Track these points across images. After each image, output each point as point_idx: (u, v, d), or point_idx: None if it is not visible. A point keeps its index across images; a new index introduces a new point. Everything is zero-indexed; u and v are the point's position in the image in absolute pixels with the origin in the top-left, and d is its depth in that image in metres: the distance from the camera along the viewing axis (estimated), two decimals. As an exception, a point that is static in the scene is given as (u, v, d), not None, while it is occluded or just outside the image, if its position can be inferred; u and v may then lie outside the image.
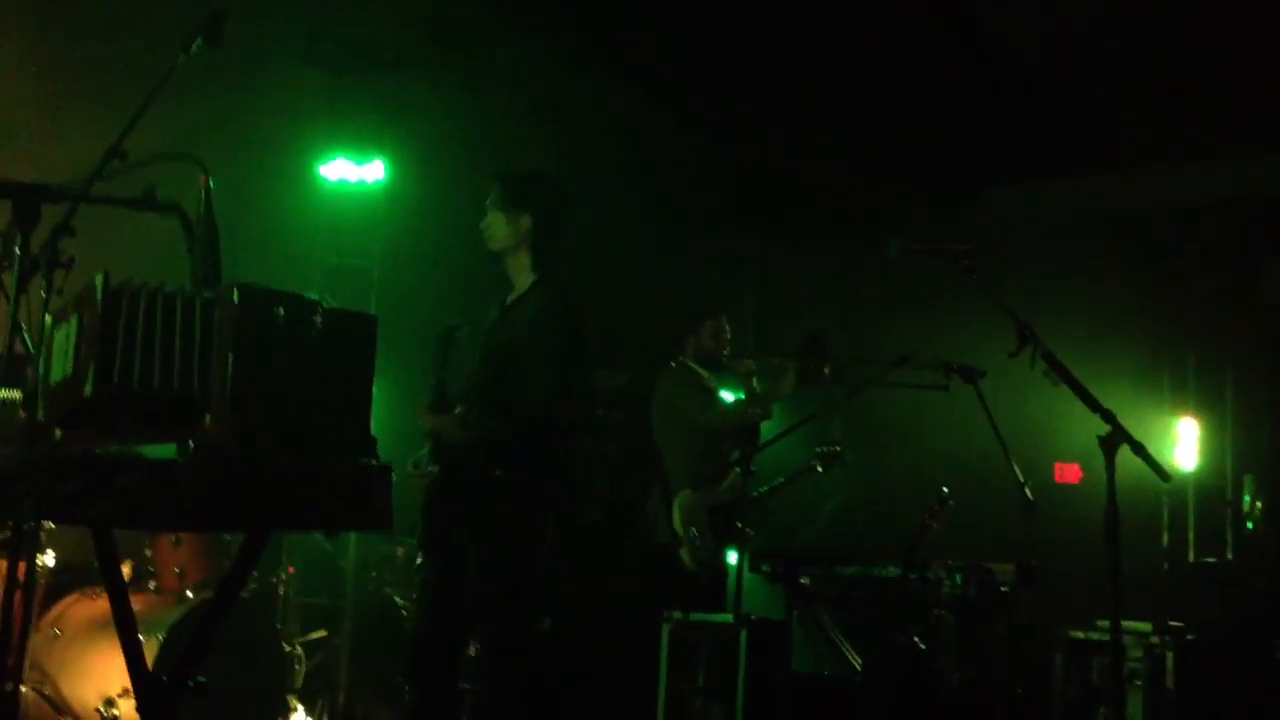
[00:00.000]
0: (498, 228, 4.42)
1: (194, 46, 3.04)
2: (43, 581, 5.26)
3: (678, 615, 5.32)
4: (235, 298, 2.70)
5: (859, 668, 5.13)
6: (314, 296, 2.85)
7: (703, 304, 6.40)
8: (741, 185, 7.85)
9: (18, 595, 3.64)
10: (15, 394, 2.41)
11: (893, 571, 5.00)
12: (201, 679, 2.95)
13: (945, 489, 5.31)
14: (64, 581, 5.47)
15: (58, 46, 6.65)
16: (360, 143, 7.48)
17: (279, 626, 5.76)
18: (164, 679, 2.92)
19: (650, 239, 7.68)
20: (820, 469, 6.07)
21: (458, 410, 4.33)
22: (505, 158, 7.52)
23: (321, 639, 6.50)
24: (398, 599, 6.53)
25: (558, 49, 7.20)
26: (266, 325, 2.73)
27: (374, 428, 2.84)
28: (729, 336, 6.29)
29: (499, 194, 4.43)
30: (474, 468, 4.21)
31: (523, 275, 4.43)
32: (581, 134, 7.48)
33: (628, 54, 7.26)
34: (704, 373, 6.25)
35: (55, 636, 5.32)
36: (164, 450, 2.64)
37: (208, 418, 2.67)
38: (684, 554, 5.89)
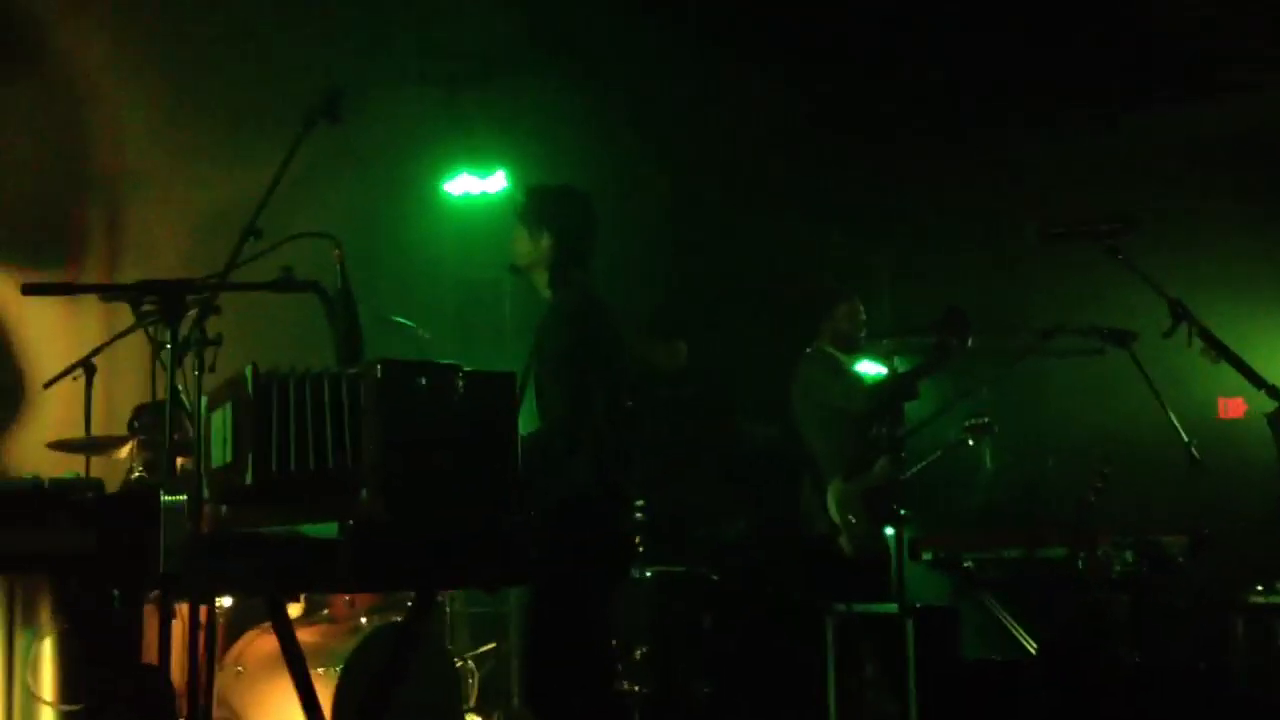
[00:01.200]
0: (520, 244, 4.39)
1: (315, 124, 3.07)
2: (221, 621, 5.45)
3: (841, 608, 5.28)
4: (379, 373, 2.75)
5: (1033, 651, 5.03)
6: (452, 361, 2.89)
7: (833, 287, 6.30)
8: (871, 162, 7.71)
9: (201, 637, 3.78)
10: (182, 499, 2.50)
11: (1058, 552, 4.89)
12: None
13: (1105, 462, 5.17)
14: (241, 619, 5.66)
15: (186, 90, 6.83)
16: (480, 156, 7.54)
17: (449, 645, 5.87)
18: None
19: (778, 223, 7.60)
20: (971, 442, 5.97)
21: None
22: (621, 155, 7.58)
23: (491, 650, 6.60)
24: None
25: (667, 43, 7.14)
26: (410, 396, 2.79)
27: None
28: (864, 317, 6.20)
29: (522, 210, 4.41)
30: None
31: (543, 292, 4.41)
32: (699, 122, 7.42)
33: (741, 41, 7.17)
34: (842, 357, 6.17)
35: (238, 674, 5.49)
36: (325, 529, 2.72)
37: (363, 492, 2.74)
38: (843, 542, 5.84)
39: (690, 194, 7.73)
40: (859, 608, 5.26)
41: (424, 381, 2.81)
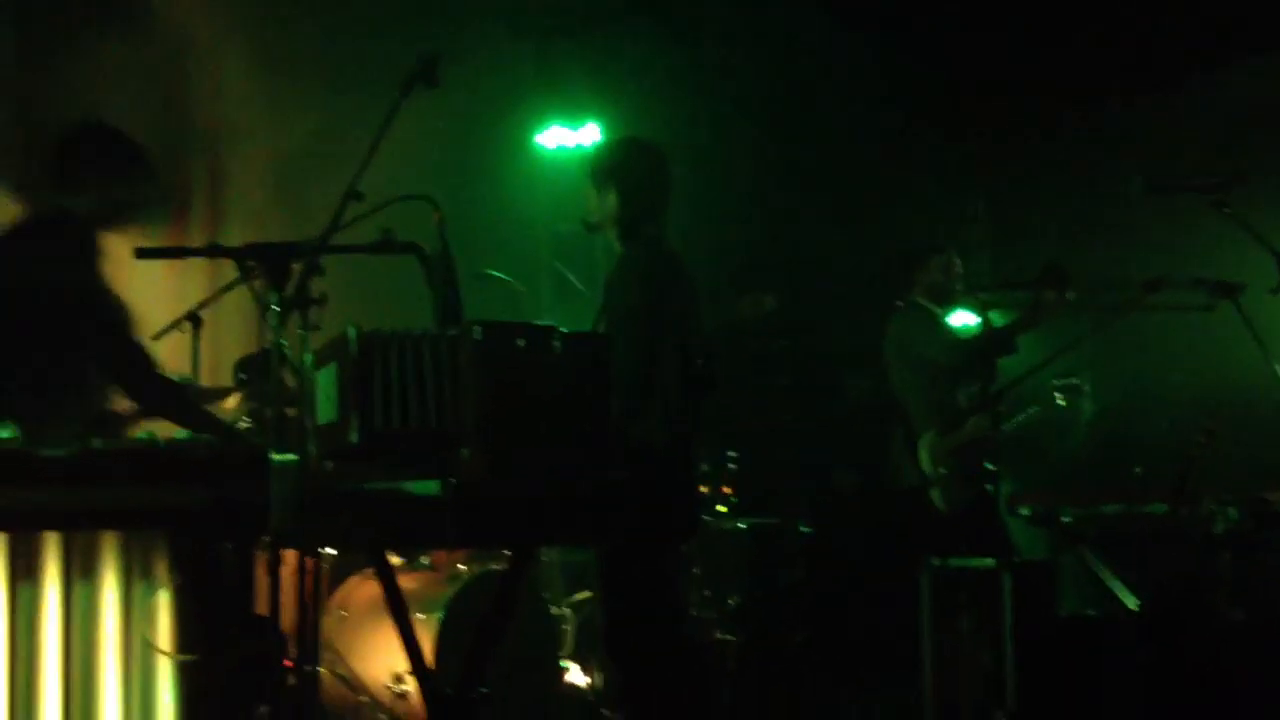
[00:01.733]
0: (590, 203, 4.36)
1: (412, 89, 3.11)
2: (326, 567, 5.59)
3: (936, 562, 5.26)
4: (478, 334, 2.80)
5: (1133, 607, 4.97)
6: (549, 322, 2.93)
7: (927, 239, 6.23)
8: (963, 110, 7.58)
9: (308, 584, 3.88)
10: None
11: (1160, 508, 4.81)
12: (484, 689, 3.11)
13: (1210, 418, 5.07)
14: (345, 565, 5.80)
15: (283, 45, 6.92)
16: (573, 108, 7.56)
17: (544, 593, 5.97)
18: (449, 692, 3.09)
19: (872, 173, 7.52)
20: (1062, 403, 5.90)
21: None
22: (715, 106, 7.55)
23: (587, 598, 6.69)
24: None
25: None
26: (509, 356, 2.83)
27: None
28: (960, 270, 6.12)
29: (589, 168, 4.38)
30: None
31: (616, 248, 4.38)
32: (792, 75, 7.35)
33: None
34: (936, 309, 6.10)
35: (343, 618, 5.64)
36: (428, 486, 2.79)
37: (464, 451, 2.80)
38: (935, 495, 5.81)
39: (782, 147, 7.66)
40: (955, 562, 5.24)
41: (522, 342, 2.86)
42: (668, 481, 4.02)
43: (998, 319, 5.92)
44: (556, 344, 2.89)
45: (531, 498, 2.83)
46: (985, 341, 5.92)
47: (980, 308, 6.02)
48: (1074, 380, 5.93)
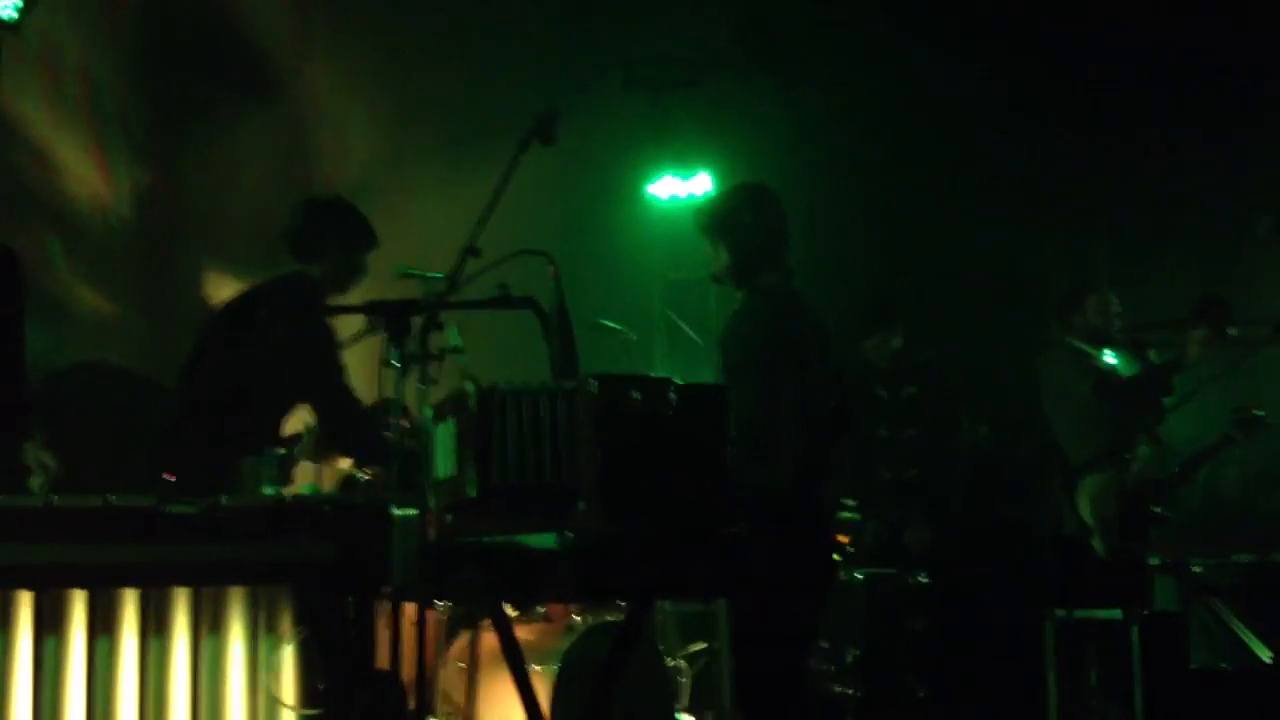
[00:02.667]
0: (710, 258, 4.32)
1: (529, 146, 3.17)
2: (443, 618, 5.65)
3: (1060, 612, 5.14)
4: (594, 388, 2.82)
5: (1266, 660, 4.80)
6: (664, 373, 2.93)
7: (1082, 281, 6.11)
8: (1083, 149, 7.46)
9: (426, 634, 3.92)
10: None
11: (1295, 558, 4.65)
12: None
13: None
14: (460, 616, 5.84)
15: (406, 108, 7.10)
16: (684, 157, 7.61)
17: (659, 644, 5.94)
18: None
19: (989, 216, 7.43)
20: (1240, 437, 5.56)
21: None
22: (823, 154, 7.54)
23: (702, 649, 6.64)
24: (771, 604, 6.59)
25: (869, 41, 7.07)
26: (625, 410, 2.84)
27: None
28: (1117, 308, 5.97)
29: (701, 224, 4.34)
30: None
31: (738, 297, 4.33)
32: (904, 119, 7.32)
33: (944, 33, 7.04)
34: (1092, 351, 5.94)
35: (460, 670, 5.67)
36: (544, 540, 2.81)
37: (581, 504, 2.82)
38: (1095, 543, 5.62)
39: (895, 192, 7.62)
40: (1080, 613, 5.11)
41: (637, 395, 2.86)
42: (794, 531, 3.96)
43: (1157, 357, 5.74)
44: (672, 396, 2.89)
45: (647, 550, 2.82)
46: (1145, 382, 5.74)
47: (1136, 348, 5.85)
48: (1258, 411, 5.51)
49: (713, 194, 4.47)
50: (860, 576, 6.10)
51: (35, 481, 3.24)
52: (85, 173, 6.58)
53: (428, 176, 6.92)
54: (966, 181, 7.47)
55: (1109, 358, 5.93)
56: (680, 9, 7.40)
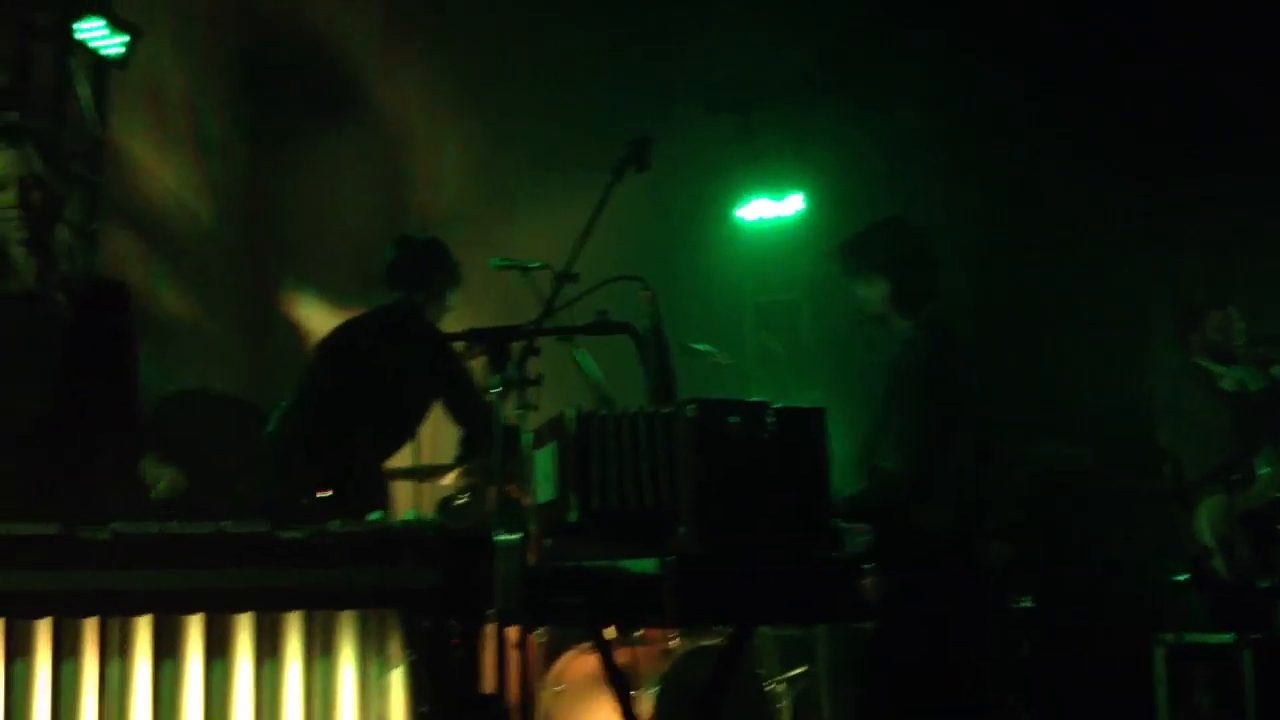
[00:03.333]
0: (862, 297, 4.29)
1: (624, 173, 3.20)
2: (541, 641, 5.68)
3: (1169, 637, 5.02)
4: (692, 412, 2.83)
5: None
6: (762, 398, 2.93)
7: (1203, 299, 6.00)
8: (1171, 164, 7.33)
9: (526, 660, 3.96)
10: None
11: None
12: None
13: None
14: (559, 640, 5.87)
15: (499, 135, 7.20)
16: (775, 180, 7.62)
17: (759, 668, 5.91)
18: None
19: (1079, 233, 7.33)
20: None
21: None
22: (916, 173, 7.48)
23: (801, 673, 6.59)
24: (869, 629, 6.53)
25: (959, 63, 7.02)
26: (723, 433, 2.84)
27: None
28: (1241, 324, 5.85)
29: (844, 268, 4.33)
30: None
31: (901, 332, 4.29)
32: (992, 137, 7.25)
33: (1030, 55, 6.97)
34: (1216, 368, 5.82)
35: (558, 693, 5.70)
36: (645, 564, 2.81)
37: (681, 528, 2.82)
38: (1217, 564, 5.49)
39: (983, 209, 7.54)
40: (1190, 637, 4.99)
41: (736, 419, 2.86)
42: (951, 565, 3.96)
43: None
44: (770, 420, 2.89)
45: (748, 574, 2.82)
46: (1271, 398, 5.62)
47: (1261, 364, 5.72)
48: None
49: (859, 233, 4.44)
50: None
51: (157, 493, 3.34)
52: (189, 203, 6.76)
53: (520, 203, 7.00)
54: (1059, 200, 7.38)
55: (1232, 374, 5.80)
56: (767, 31, 7.41)
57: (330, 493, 3.97)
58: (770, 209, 7.65)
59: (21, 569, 2.43)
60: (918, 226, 4.36)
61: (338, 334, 5.18)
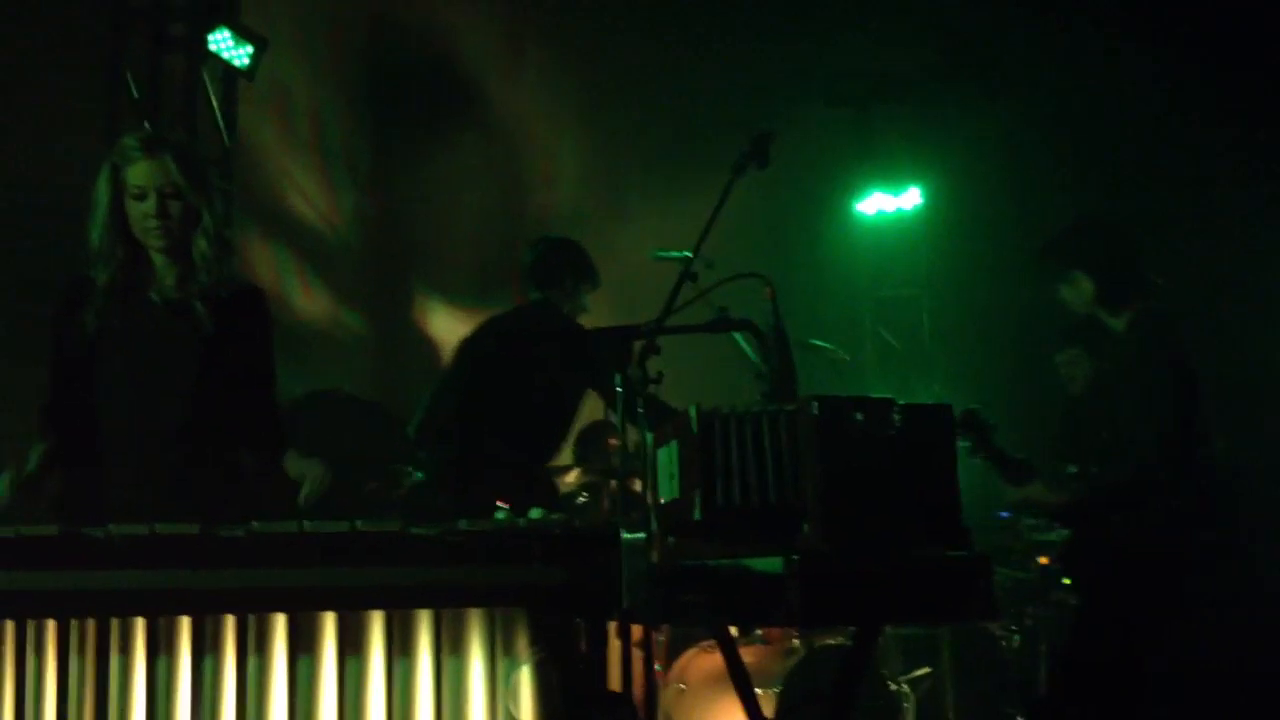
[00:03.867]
0: (1067, 299, 4.26)
1: (745, 169, 3.19)
2: (663, 639, 5.69)
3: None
4: (815, 409, 2.80)
5: None
6: (887, 395, 2.90)
7: None
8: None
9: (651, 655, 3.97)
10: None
11: None
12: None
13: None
14: (681, 638, 5.88)
15: (615, 134, 7.23)
16: (893, 173, 7.54)
17: (882, 670, 5.85)
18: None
19: (1205, 222, 7.11)
20: None
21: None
22: (1037, 163, 7.33)
23: (926, 674, 6.51)
24: (995, 629, 6.43)
25: (1083, 52, 6.86)
26: (847, 431, 2.81)
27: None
28: None
29: (1047, 271, 4.28)
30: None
31: (1115, 324, 4.24)
32: (1117, 125, 7.08)
33: (1150, 40, 6.78)
34: None
35: (680, 691, 5.71)
36: (770, 564, 2.80)
37: (805, 526, 2.80)
38: None
39: (1112, 200, 7.36)
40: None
41: (860, 416, 2.83)
42: (1198, 558, 3.97)
43: None
44: (896, 417, 2.85)
45: (875, 573, 2.78)
46: None
47: None
48: None
49: (1056, 236, 4.42)
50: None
51: (305, 490, 3.41)
52: (316, 208, 6.91)
53: (636, 202, 7.02)
54: (1184, 189, 7.18)
55: None
56: (882, 24, 7.33)
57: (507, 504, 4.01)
58: (888, 203, 7.57)
59: (163, 568, 2.50)
60: (1117, 223, 4.34)
61: (482, 335, 5.29)
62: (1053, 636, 5.85)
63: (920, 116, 7.54)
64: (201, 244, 3.50)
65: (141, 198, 3.44)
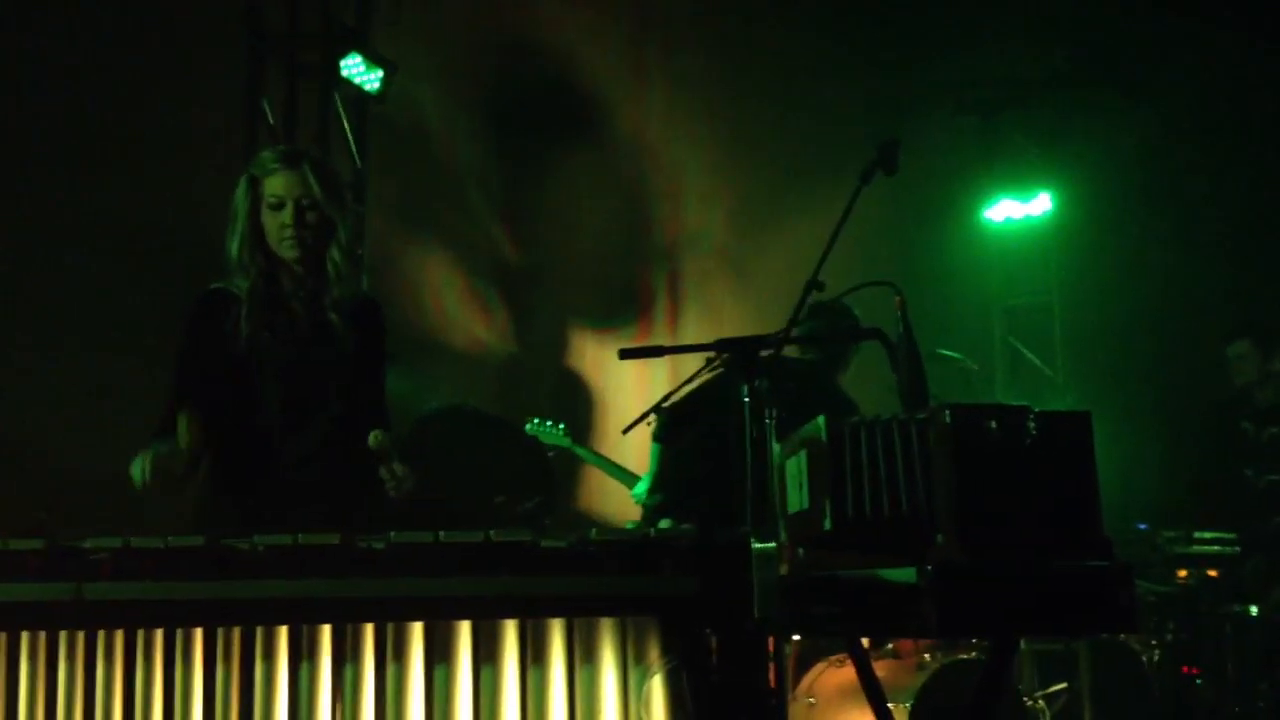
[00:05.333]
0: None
1: (873, 177, 3.17)
2: (791, 654, 5.65)
3: None
4: (947, 418, 2.76)
5: None
6: (1023, 402, 2.84)
7: None
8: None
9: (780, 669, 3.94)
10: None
11: None
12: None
13: None
14: (809, 652, 5.83)
15: (738, 152, 7.23)
16: (1022, 179, 7.41)
17: (1019, 684, 5.74)
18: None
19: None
20: None
21: None
22: (1170, 168, 7.14)
23: (1062, 689, 6.37)
24: (1133, 643, 6.26)
25: (1219, 52, 6.67)
26: (981, 439, 2.77)
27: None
28: None
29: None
30: None
31: None
32: (1253, 131, 6.86)
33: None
34: None
35: (810, 705, 5.66)
36: (903, 574, 2.76)
37: (939, 537, 2.76)
38: None
39: (1250, 205, 7.14)
40: None
41: (994, 424, 2.78)
42: None
43: None
44: (1031, 425, 2.79)
45: (1012, 584, 2.73)
46: None
47: None
48: None
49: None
50: (1255, 611, 5.74)
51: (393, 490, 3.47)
52: (450, 229, 7.03)
53: (761, 214, 7.01)
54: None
55: None
56: (1008, 30, 7.23)
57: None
58: (1017, 209, 7.44)
59: (306, 578, 2.57)
60: None
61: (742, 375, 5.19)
62: (1201, 655, 5.69)
63: (1049, 121, 7.40)
64: (335, 255, 3.59)
65: (279, 207, 3.54)
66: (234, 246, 3.58)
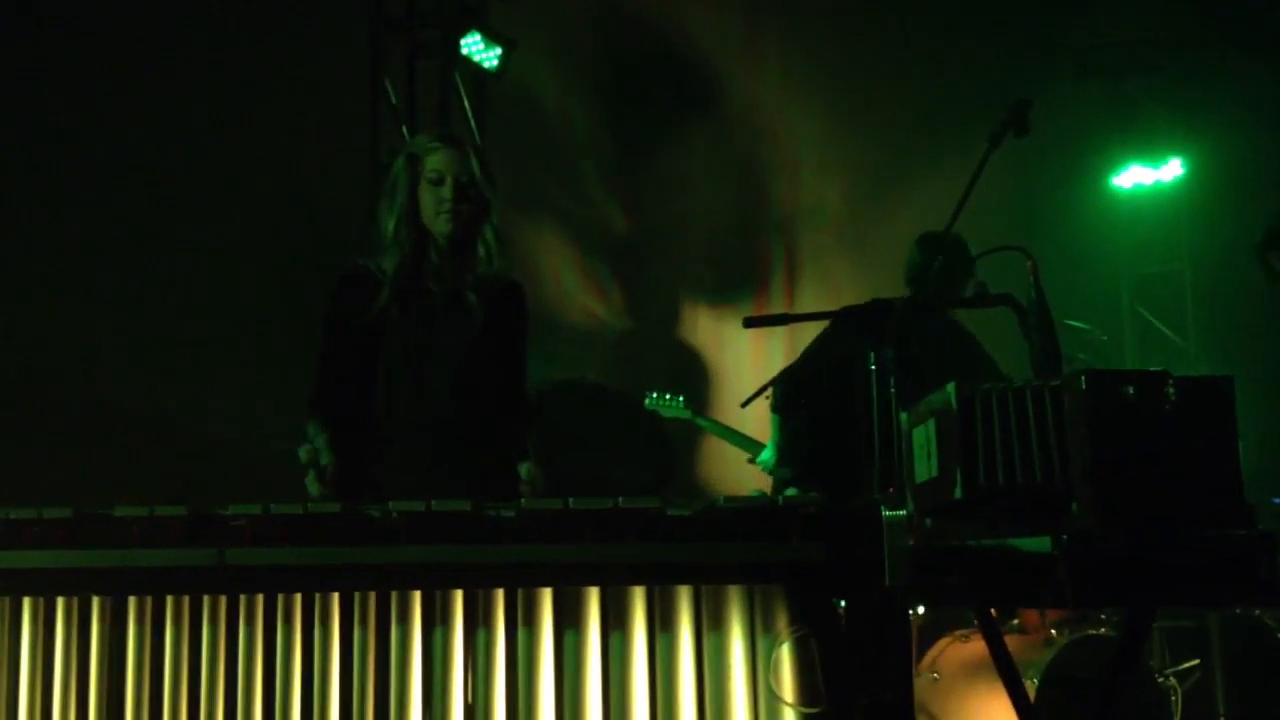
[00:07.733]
0: None
1: (1004, 138, 3.10)
2: (916, 628, 5.60)
3: None
4: (1083, 384, 2.70)
5: None
6: (1160, 368, 2.76)
7: None
8: None
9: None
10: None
11: None
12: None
13: None
14: (933, 627, 5.78)
15: (855, 123, 7.15)
16: (1151, 145, 7.21)
17: (1149, 661, 5.62)
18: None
19: None
20: None
21: None
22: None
23: (1194, 666, 6.22)
24: (1267, 619, 6.08)
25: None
26: (1118, 406, 2.70)
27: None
28: None
29: None
30: None
31: None
32: None
33: None
34: None
35: (934, 680, 5.61)
36: (1037, 544, 2.71)
37: (1074, 505, 2.70)
38: None
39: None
40: None
41: (1131, 391, 2.71)
42: None
43: None
44: (1171, 391, 2.72)
45: (1150, 553, 2.66)
46: None
47: None
48: None
49: None
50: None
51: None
52: (565, 205, 7.07)
53: (880, 184, 6.93)
54: None
55: None
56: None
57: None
58: (1147, 175, 7.24)
59: (438, 544, 2.61)
60: None
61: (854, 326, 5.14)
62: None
63: (1179, 84, 7.18)
64: (489, 235, 3.66)
65: (439, 183, 3.60)
66: (390, 223, 3.66)
